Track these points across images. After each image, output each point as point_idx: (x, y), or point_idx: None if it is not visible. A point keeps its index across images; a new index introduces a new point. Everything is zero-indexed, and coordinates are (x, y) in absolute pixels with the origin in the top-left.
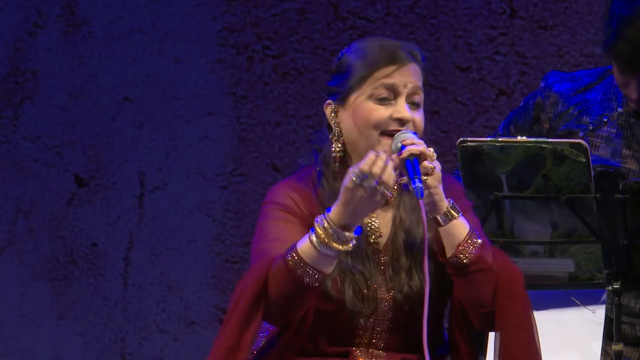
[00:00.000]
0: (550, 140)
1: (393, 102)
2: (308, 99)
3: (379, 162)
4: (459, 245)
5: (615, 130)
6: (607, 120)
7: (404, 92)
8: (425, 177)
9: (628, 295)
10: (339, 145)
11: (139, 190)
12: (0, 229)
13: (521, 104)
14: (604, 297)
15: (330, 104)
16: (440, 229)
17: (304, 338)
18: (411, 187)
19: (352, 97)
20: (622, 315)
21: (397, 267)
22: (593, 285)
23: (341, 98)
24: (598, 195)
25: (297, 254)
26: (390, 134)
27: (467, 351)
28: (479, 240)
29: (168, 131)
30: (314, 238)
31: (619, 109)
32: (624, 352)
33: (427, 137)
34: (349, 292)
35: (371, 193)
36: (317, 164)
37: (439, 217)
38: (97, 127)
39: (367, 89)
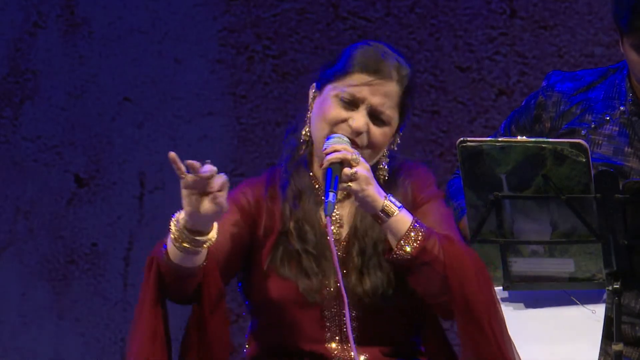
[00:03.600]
0: (550, 140)
1: (355, 109)
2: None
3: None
4: (398, 241)
5: (617, 128)
6: (610, 119)
7: (366, 106)
8: (349, 184)
9: (628, 295)
10: (307, 129)
11: (139, 191)
12: (0, 229)
13: (522, 104)
14: (604, 297)
15: (312, 88)
16: (382, 227)
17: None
18: (322, 200)
19: (326, 89)
20: (622, 315)
21: (349, 263)
22: (593, 285)
23: (320, 86)
24: (598, 195)
25: (166, 253)
26: None
27: (439, 345)
28: (423, 233)
29: (168, 131)
30: (172, 238)
31: (622, 107)
32: (624, 352)
33: (427, 136)
34: (300, 277)
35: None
36: (284, 151)
37: (378, 214)
38: (97, 127)
39: (338, 87)
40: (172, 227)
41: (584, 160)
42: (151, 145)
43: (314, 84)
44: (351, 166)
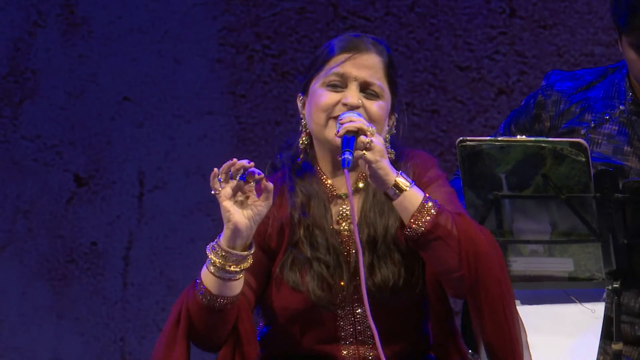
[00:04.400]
0: (549, 139)
1: (345, 89)
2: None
3: (232, 165)
4: (412, 216)
5: (617, 128)
6: (609, 118)
7: (354, 81)
8: (364, 152)
9: (628, 295)
10: (305, 137)
11: (138, 190)
12: (1, 228)
13: (522, 103)
14: (604, 296)
15: (299, 97)
16: (394, 204)
17: (291, 340)
18: (340, 158)
19: (311, 85)
20: (622, 315)
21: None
22: (593, 285)
23: (305, 89)
24: (598, 194)
25: (202, 286)
26: (336, 118)
27: (448, 340)
28: (435, 207)
29: (167, 131)
30: (211, 267)
31: (621, 107)
32: (623, 352)
33: (427, 136)
34: (312, 283)
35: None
36: (282, 161)
37: (388, 191)
38: (96, 126)
39: (321, 76)
40: (212, 255)
41: (583, 159)
42: (151, 144)
43: (299, 94)
44: (366, 135)
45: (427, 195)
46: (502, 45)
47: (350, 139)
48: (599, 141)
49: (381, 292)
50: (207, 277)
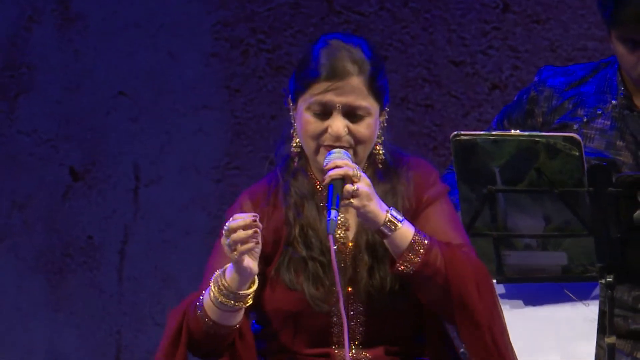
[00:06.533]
0: (543, 134)
1: (329, 117)
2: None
3: (244, 230)
4: (400, 256)
5: (609, 122)
6: (602, 112)
7: (338, 108)
8: (350, 200)
9: (621, 289)
10: (297, 140)
11: (134, 184)
12: None
13: (515, 99)
14: (597, 290)
15: (289, 101)
16: (385, 240)
17: (284, 341)
18: (325, 212)
19: (299, 103)
20: (615, 308)
21: (359, 263)
22: (586, 279)
23: (294, 98)
24: (591, 188)
25: (204, 311)
26: (327, 147)
27: (443, 347)
28: (425, 246)
29: (163, 125)
30: (214, 299)
31: (613, 101)
32: (617, 345)
33: (421, 130)
34: (307, 283)
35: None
36: (278, 160)
37: (381, 229)
38: (92, 121)
39: (307, 99)
40: (217, 293)
41: (577, 154)
42: (146, 138)
43: (289, 97)
44: (352, 182)
45: (418, 230)
46: (495, 40)
47: (335, 193)
48: (592, 136)
49: (379, 294)
50: (209, 306)
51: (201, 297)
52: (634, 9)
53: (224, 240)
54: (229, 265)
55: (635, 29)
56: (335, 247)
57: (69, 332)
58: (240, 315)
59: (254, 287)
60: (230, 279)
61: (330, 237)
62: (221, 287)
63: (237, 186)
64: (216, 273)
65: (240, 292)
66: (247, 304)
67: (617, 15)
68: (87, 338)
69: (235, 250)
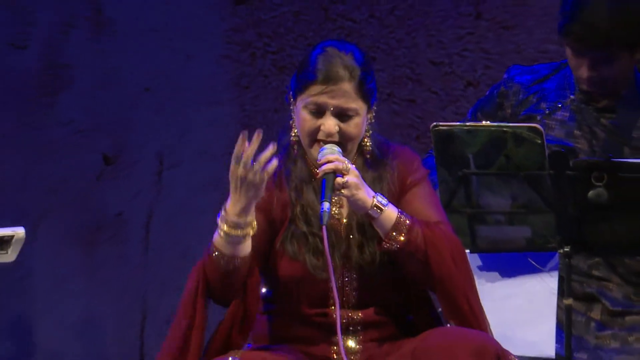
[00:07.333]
0: (511, 124)
1: (323, 115)
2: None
3: (264, 155)
4: (386, 235)
5: (568, 114)
6: (562, 106)
7: (330, 109)
8: (341, 191)
9: (577, 257)
10: (295, 131)
11: (157, 168)
12: (40, 201)
13: (487, 94)
14: (557, 259)
15: (290, 97)
16: (373, 222)
17: (288, 303)
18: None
19: (297, 101)
20: (572, 275)
21: (351, 240)
22: (547, 249)
23: (294, 96)
24: (552, 172)
25: (214, 246)
26: (320, 142)
27: (425, 308)
28: (406, 225)
29: (182, 117)
30: (220, 231)
31: (572, 96)
32: (573, 306)
33: (405, 122)
34: (308, 257)
35: (248, 174)
36: (279, 148)
37: (369, 212)
38: (121, 113)
39: (304, 99)
40: (222, 224)
41: (539, 142)
42: (167, 129)
43: (290, 93)
44: (342, 175)
45: (401, 212)
46: (469, 44)
47: (328, 185)
48: (553, 126)
49: (369, 266)
50: (219, 243)
51: (211, 240)
52: (580, 27)
53: (234, 169)
54: (227, 200)
55: (579, 41)
56: (328, 234)
57: (101, 297)
58: (248, 246)
59: (254, 216)
60: (233, 210)
61: (324, 227)
62: (227, 219)
63: None
64: (221, 212)
65: (243, 220)
66: (252, 231)
67: (566, 28)
68: (116, 302)
69: (253, 176)
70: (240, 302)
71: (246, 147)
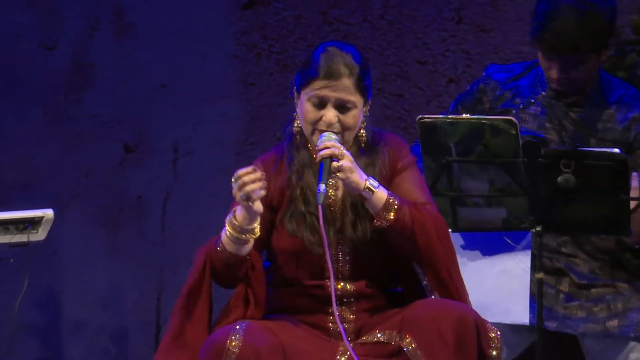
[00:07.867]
0: (488, 117)
1: (324, 107)
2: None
3: (248, 175)
4: (377, 214)
5: (540, 109)
6: (534, 101)
7: (331, 102)
8: (336, 174)
9: (548, 236)
10: (298, 122)
11: (173, 156)
12: (68, 185)
13: (467, 89)
14: (530, 237)
15: (294, 91)
16: (365, 202)
17: (287, 274)
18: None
19: (301, 94)
20: (543, 251)
21: (345, 216)
22: (521, 229)
23: (298, 89)
24: (525, 159)
25: (221, 241)
26: (320, 131)
27: (412, 281)
28: (395, 206)
29: (195, 110)
30: (228, 234)
31: (543, 93)
32: (544, 279)
33: (395, 114)
34: (306, 234)
35: (240, 197)
36: (285, 136)
37: (362, 194)
38: (140, 107)
39: (308, 92)
40: (229, 227)
41: (514, 133)
42: (182, 121)
43: (294, 88)
44: (338, 159)
45: (391, 193)
46: (452, 45)
47: (325, 169)
48: (527, 119)
49: (361, 242)
50: (226, 241)
51: (219, 237)
52: (550, 35)
53: (234, 187)
54: (237, 207)
55: (549, 47)
56: (324, 213)
57: (122, 271)
58: (249, 246)
59: (257, 223)
60: (240, 217)
61: (320, 206)
62: (234, 225)
63: (253, 158)
64: (229, 215)
65: (248, 227)
66: (254, 237)
67: (538, 35)
68: (136, 275)
69: (242, 190)
70: (247, 289)
71: (247, 175)
